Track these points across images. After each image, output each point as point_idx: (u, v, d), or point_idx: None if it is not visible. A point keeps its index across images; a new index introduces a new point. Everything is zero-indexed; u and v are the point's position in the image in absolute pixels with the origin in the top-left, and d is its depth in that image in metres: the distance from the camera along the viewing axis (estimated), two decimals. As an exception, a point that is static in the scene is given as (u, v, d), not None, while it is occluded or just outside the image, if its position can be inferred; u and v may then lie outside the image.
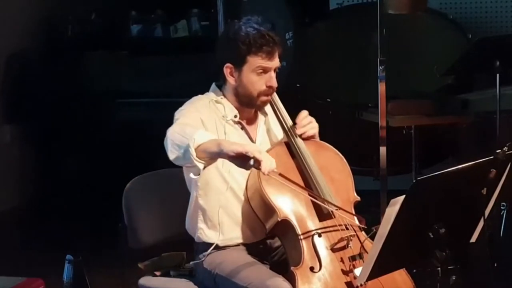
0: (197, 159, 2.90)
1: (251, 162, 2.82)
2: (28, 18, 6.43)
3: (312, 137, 3.25)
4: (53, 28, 6.65)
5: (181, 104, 3.24)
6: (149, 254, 3.43)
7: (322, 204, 3.08)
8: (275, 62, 3.15)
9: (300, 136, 3.20)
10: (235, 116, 3.20)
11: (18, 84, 6.34)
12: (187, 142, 2.91)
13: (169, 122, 3.16)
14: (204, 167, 2.95)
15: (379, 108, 4.46)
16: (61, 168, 6.50)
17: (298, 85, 5.46)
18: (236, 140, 3.16)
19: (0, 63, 6.29)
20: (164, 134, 3.08)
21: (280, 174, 2.97)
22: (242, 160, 2.84)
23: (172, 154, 3.00)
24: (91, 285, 3.12)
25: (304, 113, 3.25)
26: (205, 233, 3.20)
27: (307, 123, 3.22)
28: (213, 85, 3.28)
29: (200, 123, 3.11)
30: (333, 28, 5.93)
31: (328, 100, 5.41)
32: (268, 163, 2.85)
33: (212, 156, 2.92)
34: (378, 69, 4.42)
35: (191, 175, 3.02)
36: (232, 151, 2.84)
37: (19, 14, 6.35)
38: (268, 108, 3.28)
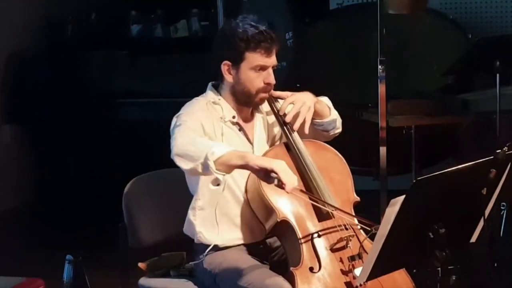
0: (217, 171, 2.89)
1: (275, 181, 2.84)
2: (28, 18, 6.43)
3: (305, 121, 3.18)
4: (53, 28, 6.65)
5: (181, 104, 3.23)
6: (149, 254, 3.43)
7: (327, 209, 3.08)
8: (273, 60, 3.15)
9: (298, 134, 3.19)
10: (233, 117, 3.20)
11: (18, 84, 6.34)
12: (203, 155, 2.89)
13: (169, 122, 3.15)
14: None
15: (379, 108, 4.46)
16: (61, 168, 6.50)
17: (298, 85, 5.46)
18: (234, 141, 3.17)
19: (0, 63, 6.30)
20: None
21: (301, 190, 2.99)
22: (265, 174, 2.85)
23: (187, 165, 2.97)
24: (91, 285, 3.12)
25: (285, 103, 3.20)
26: (204, 235, 3.20)
27: (295, 113, 3.17)
28: (209, 85, 3.27)
29: (201, 127, 3.10)
30: (333, 28, 5.93)
31: (328, 100, 5.40)
32: (291, 182, 2.85)
33: (234, 168, 2.93)
34: (378, 69, 4.42)
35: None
36: (257, 165, 2.85)
37: (19, 14, 6.35)
38: (266, 107, 3.28)
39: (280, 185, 2.84)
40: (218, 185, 3.01)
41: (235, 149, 2.95)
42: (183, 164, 2.97)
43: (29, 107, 6.33)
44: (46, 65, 6.34)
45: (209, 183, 3.09)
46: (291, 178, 2.85)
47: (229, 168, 2.91)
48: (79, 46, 6.55)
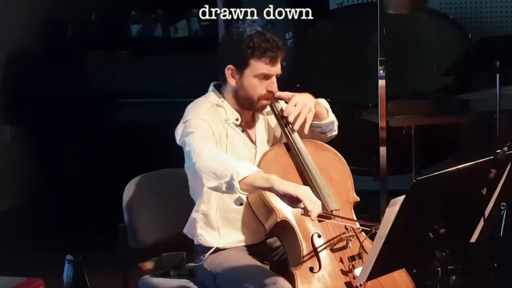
0: (241, 192, 2.87)
1: (301, 210, 2.82)
2: (28, 18, 6.43)
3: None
4: (53, 28, 6.65)
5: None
6: (149, 254, 3.43)
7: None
8: (277, 69, 3.14)
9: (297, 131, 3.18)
10: (237, 119, 3.20)
11: (18, 84, 6.34)
12: (229, 174, 2.86)
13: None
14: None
15: (379, 108, 4.46)
16: (61, 168, 6.50)
17: (298, 85, 5.46)
18: (238, 143, 3.18)
19: (0, 63, 6.29)
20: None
21: (324, 214, 2.94)
22: (290, 200, 2.83)
23: (210, 183, 2.92)
24: (91, 285, 3.12)
25: (289, 105, 3.19)
26: (205, 238, 3.20)
27: (296, 114, 3.17)
28: (212, 86, 3.27)
29: (211, 131, 3.10)
30: (333, 28, 5.93)
31: (328, 100, 5.40)
32: (316, 208, 2.82)
33: (258, 189, 2.91)
34: (378, 69, 4.42)
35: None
36: (283, 191, 2.82)
37: (19, 14, 6.35)
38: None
39: (306, 213, 2.81)
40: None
41: (260, 170, 2.93)
42: (207, 182, 2.93)
43: (29, 107, 6.32)
44: (46, 65, 6.34)
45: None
46: (316, 205, 2.83)
47: (253, 189, 2.89)
48: (79, 46, 6.55)
